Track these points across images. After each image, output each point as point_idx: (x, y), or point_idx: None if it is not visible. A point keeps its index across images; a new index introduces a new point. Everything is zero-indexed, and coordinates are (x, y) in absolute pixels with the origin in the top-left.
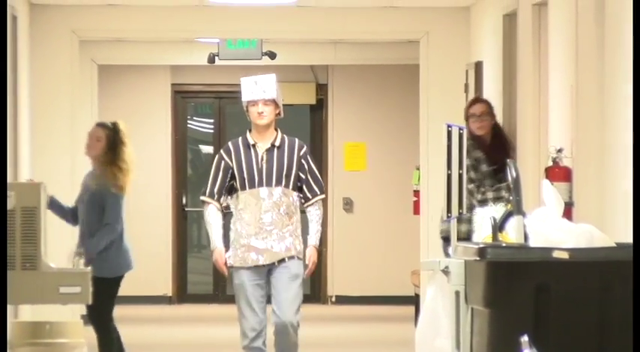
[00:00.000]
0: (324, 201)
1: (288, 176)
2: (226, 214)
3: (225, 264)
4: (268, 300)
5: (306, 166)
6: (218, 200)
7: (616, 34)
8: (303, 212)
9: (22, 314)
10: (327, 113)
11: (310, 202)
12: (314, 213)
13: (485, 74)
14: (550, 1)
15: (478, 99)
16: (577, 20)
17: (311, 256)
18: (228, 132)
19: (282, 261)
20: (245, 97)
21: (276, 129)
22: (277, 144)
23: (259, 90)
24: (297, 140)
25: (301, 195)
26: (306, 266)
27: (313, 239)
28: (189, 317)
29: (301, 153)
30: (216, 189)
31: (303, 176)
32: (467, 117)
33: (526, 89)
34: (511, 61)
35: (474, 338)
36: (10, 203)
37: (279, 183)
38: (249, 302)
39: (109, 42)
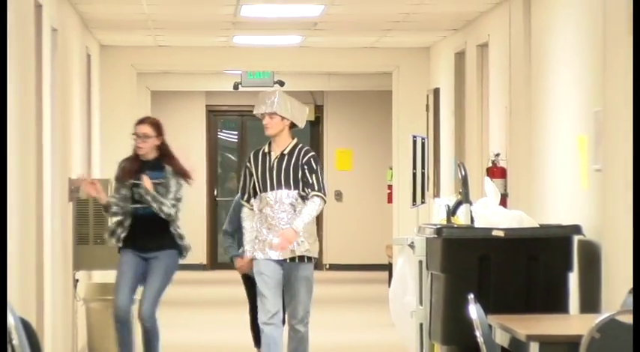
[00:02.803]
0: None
1: (295, 180)
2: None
3: (244, 266)
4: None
5: (307, 169)
6: (248, 201)
7: (540, 68)
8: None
9: (94, 277)
10: (323, 127)
11: (308, 197)
12: (307, 203)
13: (442, 97)
14: (490, 43)
15: (144, 120)
16: (510, 57)
17: (284, 233)
18: (249, 141)
19: (293, 259)
20: (254, 111)
21: (291, 138)
22: (286, 152)
23: (262, 105)
24: (306, 148)
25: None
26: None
27: (296, 222)
28: (219, 280)
29: (305, 158)
30: (245, 193)
31: (304, 178)
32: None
33: (472, 109)
34: (461, 88)
35: (433, 295)
36: (85, 194)
37: (288, 186)
38: (268, 285)
39: (159, 73)
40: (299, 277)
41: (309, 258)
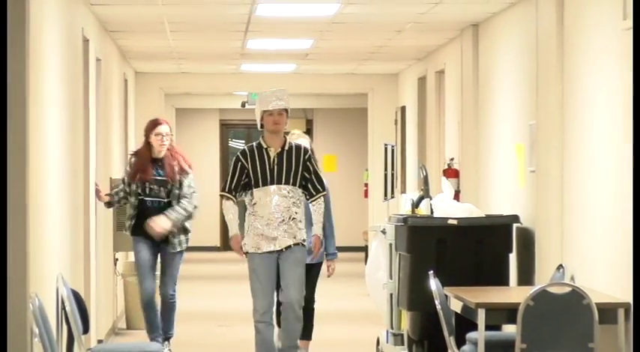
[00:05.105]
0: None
1: (295, 176)
2: (242, 206)
3: (241, 247)
4: (277, 282)
5: (310, 168)
6: (234, 195)
7: (485, 90)
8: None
9: (130, 257)
10: (313, 137)
11: (314, 198)
12: (316, 207)
13: (407, 114)
14: (446, 70)
15: (161, 121)
16: (462, 81)
17: (315, 244)
18: None
19: (288, 247)
20: (263, 107)
21: (284, 136)
22: (286, 148)
23: (275, 102)
24: (302, 145)
25: (306, 192)
26: (310, 251)
27: (316, 229)
28: (230, 260)
29: (306, 156)
30: (233, 186)
31: (307, 176)
32: (148, 136)
33: (431, 123)
34: (423, 106)
35: (400, 271)
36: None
37: (287, 181)
38: (261, 285)
39: (182, 94)
40: (294, 258)
41: (303, 244)
